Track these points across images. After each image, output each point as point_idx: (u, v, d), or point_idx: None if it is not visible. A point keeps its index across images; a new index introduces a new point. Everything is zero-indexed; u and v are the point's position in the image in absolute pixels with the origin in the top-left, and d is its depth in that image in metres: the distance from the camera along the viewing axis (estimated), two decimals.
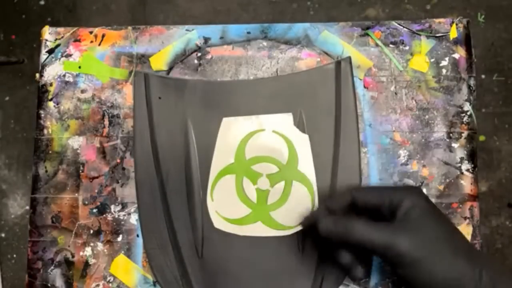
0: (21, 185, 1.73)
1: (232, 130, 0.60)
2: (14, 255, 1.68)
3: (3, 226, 1.71)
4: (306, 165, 0.59)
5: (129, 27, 0.64)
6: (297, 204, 0.58)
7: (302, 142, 0.59)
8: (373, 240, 0.46)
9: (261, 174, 0.58)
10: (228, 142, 0.59)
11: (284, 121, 0.59)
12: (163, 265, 0.58)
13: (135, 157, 0.60)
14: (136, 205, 0.60)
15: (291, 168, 0.59)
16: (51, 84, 0.63)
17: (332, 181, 0.59)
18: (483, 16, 1.66)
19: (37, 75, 0.63)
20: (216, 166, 0.59)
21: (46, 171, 0.61)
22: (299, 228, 0.58)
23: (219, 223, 0.58)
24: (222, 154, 0.59)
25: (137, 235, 0.59)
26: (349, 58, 0.61)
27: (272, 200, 0.58)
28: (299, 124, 0.59)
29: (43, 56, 0.64)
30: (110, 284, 0.59)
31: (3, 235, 1.70)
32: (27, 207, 1.71)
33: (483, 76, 1.62)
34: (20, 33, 1.79)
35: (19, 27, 1.79)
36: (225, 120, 0.60)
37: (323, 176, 0.59)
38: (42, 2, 1.81)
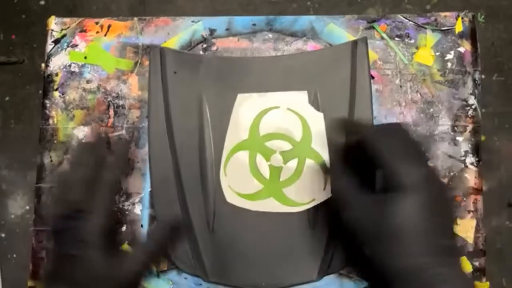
0: (21, 185, 1.72)
1: (247, 107, 0.60)
2: (14, 255, 1.67)
3: (3, 226, 1.70)
4: (320, 143, 0.59)
5: (135, 18, 0.64)
6: (309, 181, 0.58)
7: (317, 120, 0.59)
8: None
9: (275, 151, 0.59)
10: (243, 119, 0.60)
11: (299, 99, 0.59)
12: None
13: (149, 131, 0.60)
14: (140, 196, 0.60)
15: (304, 145, 0.59)
16: (56, 74, 0.63)
17: None
18: (483, 16, 1.67)
19: (43, 65, 0.63)
20: (230, 141, 0.59)
21: (51, 161, 0.61)
22: (311, 204, 0.58)
23: (232, 198, 0.58)
24: (236, 130, 0.59)
25: (141, 225, 0.59)
26: (365, 38, 0.62)
27: (285, 177, 0.58)
28: (314, 103, 0.59)
29: (49, 46, 0.64)
30: None
31: (3, 235, 1.69)
32: (27, 207, 1.70)
33: (483, 76, 1.62)
34: (20, 33, 1.78)
35: (19, 27, 1.79)
36: (239, 96, 0.60)
37: None
38: (42, 2, 1.80)
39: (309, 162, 0.58)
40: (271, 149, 0.59)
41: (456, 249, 0.44)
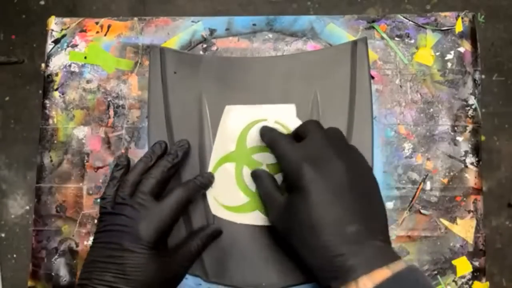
0: (21, 185, 1.73)
1: (234, 118, 0.59)
2: (14, 255, 1.68)
3: (3, 226, 1.70)
4: None
5: (135, 18, 0.64)
6: None
7: None
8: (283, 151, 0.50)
9: (261, 163, 0.58)
10: (230, 130, 0.59)
11: (287, 112, 0.59)
12: (175, 238, 0.57)
13: (149, 131, 0.60)
14: None
15: None
16: (56, 74, 0.63)
17: None
18: (483, 16, 1.67)
19: (43, 65, 0.63)
20: (216, 153, 0.59)
21: (51, 161, 0.61)
22: None
23: (216, 210, 0.58)
24: (223, 142, 0.59)
25: None
26: (365, 38, 0.62)
27: None
28: (314, 103, 0.59)
29: (49, 46, 0.64)
30: None
31: (3, 235, 1.70)
32: (27, 207, 1.71)
33: (483, 76, 1.63)
34: (20, 33, 1.78)
35: (19, 27, 1.79)
36: (227, 108, 0.60)
37: None
38: (42, 2, 1.80)
39: None
40: (258, 161, 0.58)
41: (368, 232, 0.44)
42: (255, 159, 0.58)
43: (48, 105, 0.62)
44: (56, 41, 0.64)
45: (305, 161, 0.46)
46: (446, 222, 0.59)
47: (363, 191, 0.47)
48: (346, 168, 0.46)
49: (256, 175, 0.56)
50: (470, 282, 0.58)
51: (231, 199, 0.58)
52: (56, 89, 0.63)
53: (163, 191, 0.54)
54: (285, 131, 0.58)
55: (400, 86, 0.61)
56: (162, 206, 0.50)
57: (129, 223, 0.49)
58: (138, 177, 0.52)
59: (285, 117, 0.59)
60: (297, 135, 0.53)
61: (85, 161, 0.61)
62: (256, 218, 0.57)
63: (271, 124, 0.59)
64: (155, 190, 0.52)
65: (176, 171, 0.56)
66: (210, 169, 0.58)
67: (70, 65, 0.63)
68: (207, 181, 0.57)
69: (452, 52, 0.62)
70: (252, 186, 0.58)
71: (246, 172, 0.58)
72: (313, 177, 0.45)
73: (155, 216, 0.50)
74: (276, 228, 0.52)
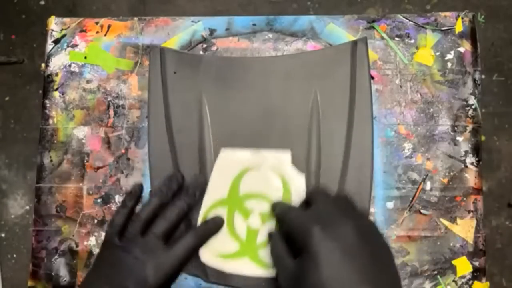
0: (21, 185, 1.73)
1: (229, 164, 0.59)
2: (14, 255, 1.68)
3: (3, 226, 1.70)
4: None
5: (135, 18, 0.64)
6: None
7: (298, 182, 0.57)
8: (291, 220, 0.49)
9: (253, 211, 0.57)
10: (224, 175, 0.58)
11: (282, 159, 0.58)
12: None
13: (149, 131, 0.60)
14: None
15: None
16: (56, 74, 0.63)
17: (344, 160, 0.58)
18: (483, 16, 1.67)
19: (43, 65, 0.63)
20: (209, 198, 0.58)
21: (51, 161, 0.61)
22: None
23: (205, 256, 0.56)
24: (217, 187, 0.58)
25: None
26: (365, 38, 0.62)
27: (262, 239, 0.56)
28: (314, 103, 0.59)
29: (49, 46, 0.64)
30: None
31: (3, 235, 1.70)
32: (27, 207, 1.70)
33: (483, 76, 1.63)
34: (20, 33, 1.78)
35: (19, 27, 1.79)
36: (223, 152, 0.59)
37: (336, 156, 0.58)
38: (42, 2, 1.80)
39: None
40: (250, 208, 0.57)
41: None
42: (248, 206, 0.57)
43: (48, 105, 0.62)
44: (56, 41, 0.64)
45: (313, 224, 0.45)
46: (446, 222, 0.59)
47: (374, 254, 0.44)
48: (355, 230, 0.44)
49: (270, 237, 0.55)
50: (470, 282, 0.58)
51: (221, 246, 0.56)
52: (56, 89, 0.63)
53: (174, 231, 0.53)
54: (279, 180, 0.57)
55: (400, 86, 0.61)
56: (171, 254, 0.50)
57: (137, 266, 0.48)
58: (151, 215, 0.52)
59: (280, 165, 0.58)
60: (306, 204, 0.53)
61: (85, 161, 0.61)
62: (245, 265, 0.56)
63: (265, 172, 0.58)
64: (167, 232, 0.51)
65: (190, 210, 0.55)
66: (202, 213, 0.57)
67: (70, 65, 0.63)
68: (217, 227, 0.56)
69: (452, 52, 0.62)
70: (243, 234, 0.56)
71: (238, 219, 0.57)
72: (321, 238, 0.43)
73: (164, 263, 0.49)
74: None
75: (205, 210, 0.57)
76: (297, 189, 0.57)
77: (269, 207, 0.56)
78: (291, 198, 0.57)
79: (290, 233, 0.48)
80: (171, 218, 0.52)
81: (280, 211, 0.53)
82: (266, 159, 0.58)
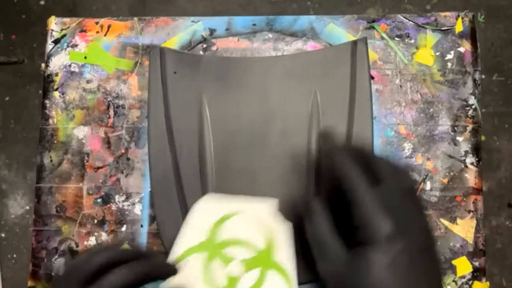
0: (21, 185, 1.73)
1: (210, 209, 0.54)
2: (14, 255, 1.68)
3: (3, 226, 1.70)
4: (285, 255, 0.52)
5: (135, 18, 0.64)
6: None
7: (283, 231, 0.53)
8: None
9: (234, 258, 0.52)
10: (203, 220, 0.53)
11: (266, 207, 0.54)
12: (176, 236, 0.56)
13: (149, 131, 0.60)
14: (140, 196, 0.60)
15: (267, 256, 0.52)
16: (56, 74, 0.63)
17: None
18: (483, 16, 1.67)
19: (43, 65, 0.63)
20: (185, 242, 0.52)
21: (51, 161, 0.61)
22: None
23: None
24: (194, 231, 0.53)
25: (141, 225, 0.59)
26: (365, 38, 0.61)
27: (245, 287, 0.51)
28: (314, 103, 0.59)
29: (49, 46, 0.64)
30: None
31: (3, 235, 1.70)
32: (27, 207, 1.71)
33: (483, 76, 1.63)
34: (20, 33, 1.78)
35: (19, 27, 1.79)
36: (205, 197, 0.55)
37: None
38: (42, 2, 1.81)
39: (271, 273, 0.52)
40: (229, 257, 0.52)
41: None
42: (227, 253, 0.52)
43: (48, 105, 0.62)
44: (56, 41, 0.64)
45: (389, 217, 0.38)
46: (446, 222, 0.59)
47: (436, 262, 0.41)
48: (427, 234, 0.41)
49: (310, 209, 0.46)
50: (470, 282, 0.58)
51: None
52: (56, 89, 0.63)
53: None
54: (261, 229, 0.53)
55: (400, 86, 0.61)
56: None
57: None
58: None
59: (264, 214, 0.54)
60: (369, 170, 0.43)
61: (85, 161, 0.61)
62: None
63: (248, 219, 0.54)
64: None
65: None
66: (175, 258, 0.51)
67: (70, 65, 0.63)
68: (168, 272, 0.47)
69: (452, 52, 0.62)
70: (222, 282, 0.51)
71: (216, 267, 0.51)
72: (395, 236, 0.38)
73: None
74: (326, 281, 0.42)
75: (180, 255, 0.51)
76: (282, 238, 0.53)
77: (252, 255, 0.51)
78: (275, 247, 0.52)
79: (354, 212, 0.40)
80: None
81: (345, 176, 0.42)
82: (250, 206, 0.54)
